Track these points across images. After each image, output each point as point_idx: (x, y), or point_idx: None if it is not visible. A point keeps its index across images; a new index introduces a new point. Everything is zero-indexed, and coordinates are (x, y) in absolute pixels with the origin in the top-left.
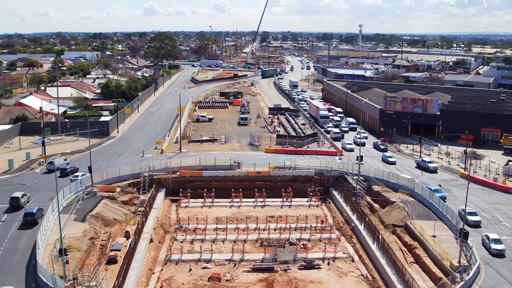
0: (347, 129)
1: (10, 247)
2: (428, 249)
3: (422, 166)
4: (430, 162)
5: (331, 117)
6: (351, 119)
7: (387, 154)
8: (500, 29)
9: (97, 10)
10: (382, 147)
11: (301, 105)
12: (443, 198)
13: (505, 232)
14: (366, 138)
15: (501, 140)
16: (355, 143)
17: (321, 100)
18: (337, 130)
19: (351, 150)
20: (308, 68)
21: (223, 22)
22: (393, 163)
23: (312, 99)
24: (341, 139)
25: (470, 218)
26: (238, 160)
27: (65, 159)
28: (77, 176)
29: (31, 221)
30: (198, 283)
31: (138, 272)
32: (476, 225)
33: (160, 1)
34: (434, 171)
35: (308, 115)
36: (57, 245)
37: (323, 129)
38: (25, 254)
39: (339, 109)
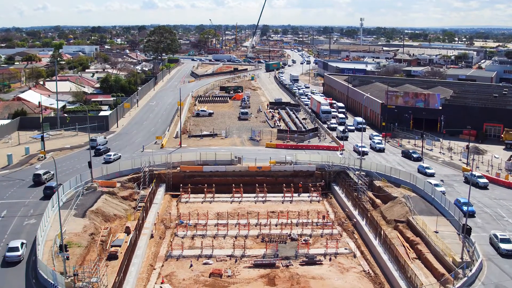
0: (353, 128)
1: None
2: (431, 245)
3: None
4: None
5: (334, 113)
6: (359, 119)
7: (424, 164)
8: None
9: (96, 4)
10: (415, 155)
11: (302, 99)
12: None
13: (508, 228)
14: (381, 143)
15: (502, 135)
16: (373, 148)
17: (322, 95)
18: (342, 128)
19: (366, 153)
20: (308, 63)
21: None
22: (432, 174)
23: (313, 93)
24: (346, 139)
25: (503, 246)
26: (239, 155)
27: (105, 137)
28: (110, 155)
29: (50, 194)
30: (199, 279)
31: (139, 268)
32: (510, 254)
33: None
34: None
35: (310, 110)
36: (57, 241)
37: (326, 126)
38: (25, 250)
39: (340, 104)
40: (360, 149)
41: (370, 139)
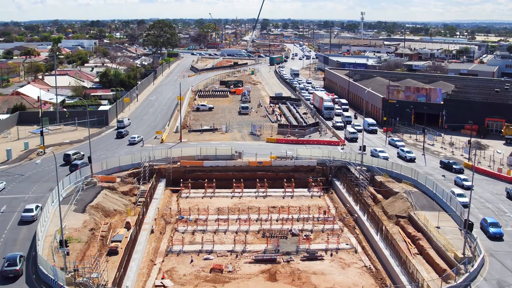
0: (360, 127)
1: (9, 238)
2: (432, 240)
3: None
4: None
5: (337, 110)
6: (370, 120)
7: (461, 176)
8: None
9: None
10: (457, 167)
11: (303, 94)
12: None
13: (510, 224)
14: (411, 152)
15: (502, 130)
16: (402, 157)
17: (323, 89)
18: (352, 129)
19: (386, 158)
20: (308, 58)
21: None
22: (469, 187)
23: (313, 86)
24: (356, 140)
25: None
26: (239, 150)
27: (129, 119)
28: (134, 137)
29: (74, 170)
30: (200, 275)
31: (139, 263)
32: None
33: None
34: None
35: (312, 106)
36: (57, 236)
37: (331, 125)
38: (25, 245)
39: (344, 101)
40: (379, 153)
41: (395, 146)
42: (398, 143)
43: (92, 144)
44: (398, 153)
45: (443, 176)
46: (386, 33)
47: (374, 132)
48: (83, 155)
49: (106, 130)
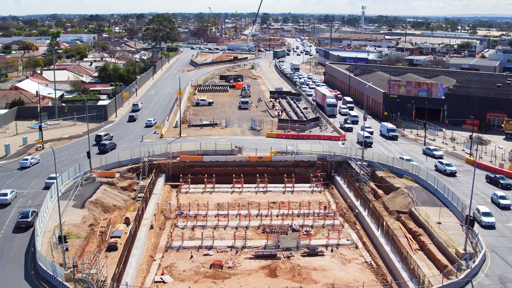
0: (371, 129)
1: (8, 233)
2: (433, 236)
3: (493, 180)
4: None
5: (343, 110)
6: (390, 125)
7: (499, 193)
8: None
9: None
10: (504, 182)
11: (303, 89)
12: None
13: (511, 219)
14: (451, 165)
15: (502, 125)
16: (441, 171)
17: (324, 85)
18: (366, 134)
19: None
20: (307, 53)
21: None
22: (508, 207)
23: (314, 81)
24: (370, 145)
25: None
26: (239, 145)
27: (141, 103)
28: (150, 120)
29: (103, 150)
30: (199, 270)
31: (139, 259)
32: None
33: None
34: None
35: (314, 103)
36: (56, 232)
37: (339, 126)
38: (23, 241)
39: (348, 98)
40: (402, 158)
41: (432, 156)
42: (436, 153)
43: (91, 138)
44: (436, 165)
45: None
46: (387, 28)
47: (394, 138)
48: (112, 136)
49: (105, 125)
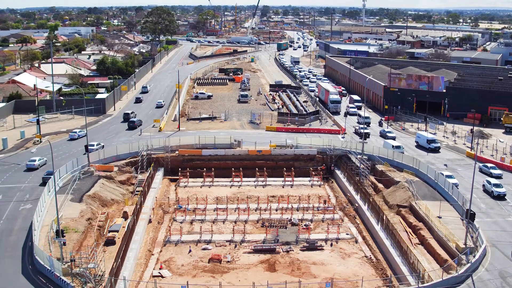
0: (393, 134)
1: (5, 228)
2: (434, 230)
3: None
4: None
5: (351, 109)
6: (430, 135)
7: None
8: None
9: None
10: (495, 172)
11: (305, 83)
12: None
13: None
14: (500, 185)
15: (501, 118)
16: (488, 192)
17: (326, 79)
18: (396, 143)
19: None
20: (306, 48)
21: None
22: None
23: (315, 74)
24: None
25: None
26: (239, 139)
27: (149, 85)
28: (160, 101)
29: (132, 126)
30: (198, 265)
31: (137, 253)
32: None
33: None
34: (496, 175)
35: (316, 98)
36: (53, 226)
37: (353, 131)
38: (21, 235)
39: (356, 97)
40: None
41: (488, 174)
42: (494, 172)
43: (89, 132)
44: (483, 185)
45: (445, 165)
46: (388, 20)
47: (436, 150)
48: (136, 114)
49: (103, 118)
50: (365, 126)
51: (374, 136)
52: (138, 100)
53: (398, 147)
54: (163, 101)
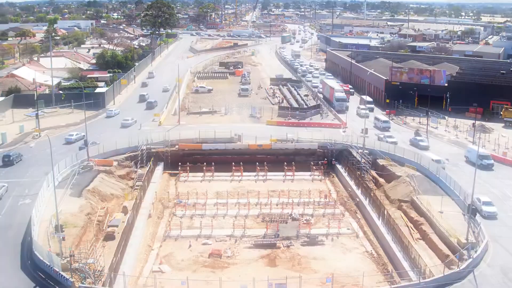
0: (426, 143)
1: (4, 223)
2: (435, 225)
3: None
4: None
5: (362, 111)
6: (483, 150)
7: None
8: None
9: None
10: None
11: (307, 78)
12: None
13: None
14: None
15: (501, 113)
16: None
17: (331, 75)
18: (436, 156)
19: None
20: (304, 42)
21: None
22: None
23: (316, 68)
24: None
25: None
26: (239, 133)
27: (153, 72)
28: (166, 86)
29: (150, 106)
30: (198, 260)
31: (137, 248)
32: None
33: None
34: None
35: (322, 97)
36: (52, 221)
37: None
38: (19, 231)
39: (368, 98)
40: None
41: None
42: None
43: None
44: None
45: (447, 159)
46: (390, 14)
47: (489, 168)
48: (149, 95)
49: (103, 112)
50: (385, 128)
51: (403, 143)
52: (144, 85)
53: (438, 161)
54: (169, 86)
